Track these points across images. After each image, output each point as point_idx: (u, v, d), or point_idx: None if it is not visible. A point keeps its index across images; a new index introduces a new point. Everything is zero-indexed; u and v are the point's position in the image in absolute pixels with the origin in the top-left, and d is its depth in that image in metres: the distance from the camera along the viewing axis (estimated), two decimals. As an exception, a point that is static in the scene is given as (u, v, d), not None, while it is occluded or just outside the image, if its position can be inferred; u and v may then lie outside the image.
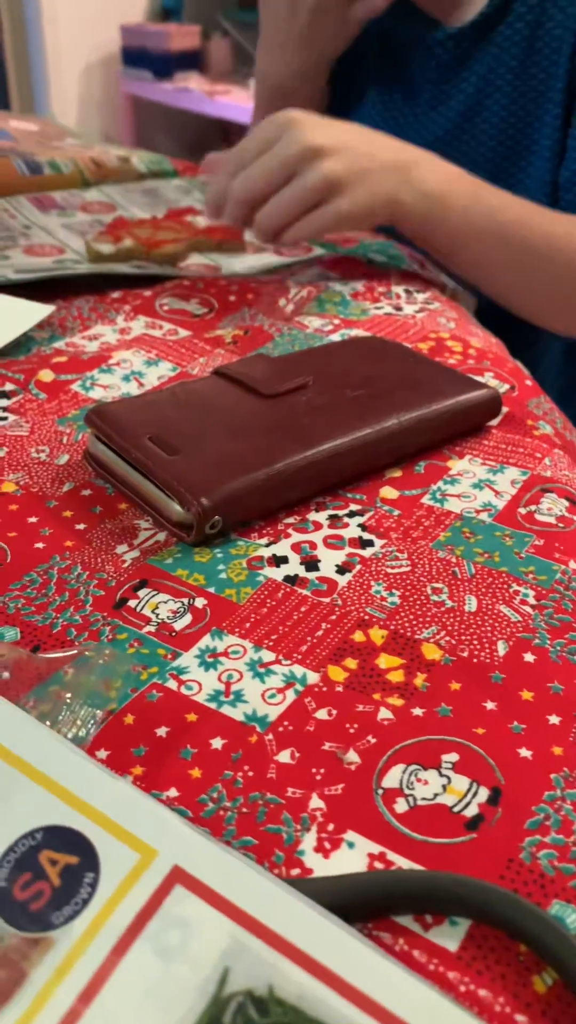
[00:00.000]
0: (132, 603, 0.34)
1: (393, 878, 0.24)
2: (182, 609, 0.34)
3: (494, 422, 0.48)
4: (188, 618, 0.34)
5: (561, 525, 0.40)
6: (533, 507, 0.41)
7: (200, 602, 0.35)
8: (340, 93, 0.83)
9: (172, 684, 0.31)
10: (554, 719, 0.30)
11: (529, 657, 0.33)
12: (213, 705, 0.30)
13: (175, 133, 3.06)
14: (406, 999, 0.20)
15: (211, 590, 0.35)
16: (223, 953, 0.20)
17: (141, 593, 0.35)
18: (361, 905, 0.24)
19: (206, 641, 0.33)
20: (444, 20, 0.77)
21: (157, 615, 0.34)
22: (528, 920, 0.23)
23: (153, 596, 0.35)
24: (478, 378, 0.52)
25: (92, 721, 0.28)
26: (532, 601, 0.35)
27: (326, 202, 0.58)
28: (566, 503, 0.42)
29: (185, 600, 0.35)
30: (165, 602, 0.34)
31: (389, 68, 0.80)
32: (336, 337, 0.56)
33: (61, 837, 0.22)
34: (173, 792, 0.27)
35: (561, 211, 0.68)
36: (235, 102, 2.59)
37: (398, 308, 0.61)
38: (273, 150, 0.57)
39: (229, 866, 0.22)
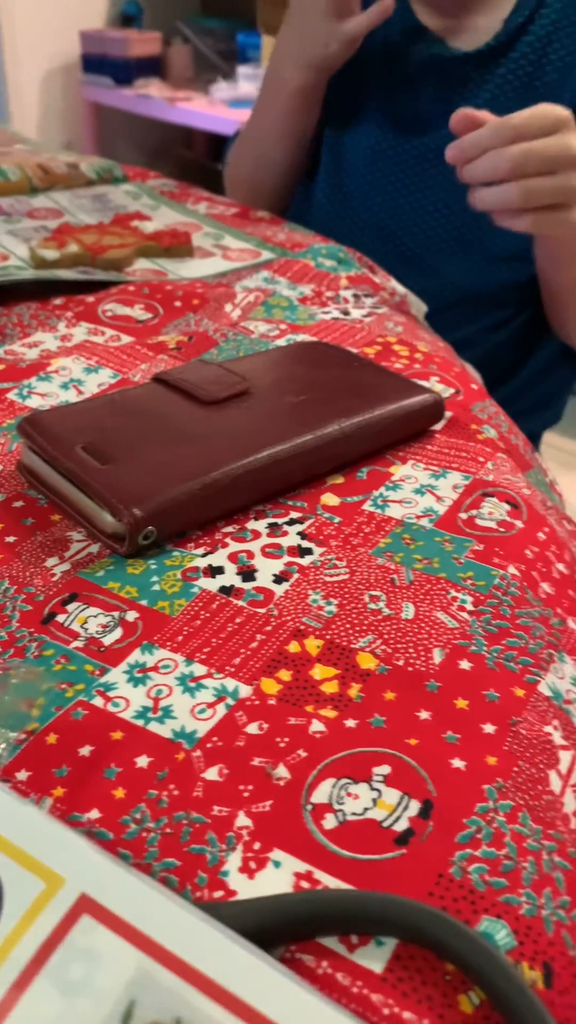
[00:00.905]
0: (60, 618, 0.33)
1: (317, 899, 0.24)
2: (112, 623, 0.33)
3: (438, 426, 0.48)
4: (118, 632, 0.33)
5: (502, 529, 0.40)
6: (474, 512, 0.41)
7: (131, 615, 0.34)
8: (344, 96, 0.85)
9: (99, 701, 0.30)
10: (489, 728, 0.30)
11: (465, 664, 0.32)
12: (140, 722, 0.29)
13: (137, 139, 3.05)
14: (320, 1027, 0.19)
15: (143, 603, 0.34)
16: (129, 985, 0.19)
17: (70, 607, 0.34)
18: (284, 928, 0.23)
19: (136, 656, 0.32)
20: (450, 41, 0.80)
21: (86, 630, 0.33)
22: (454, 939, 0.23)
23: (83, 610, 0.34)
24: (423, 383, 0.51)
25: (5, 743, 0.27)
26: (470, 607, 0.35)
27: (561, 207, 0.62)
28: (507, 507, 0.41)
29: (116, 614, 0.34)
30: (95, 616, 0.34)
31: (395, 76, 0.82)
32: (282, 342, 0.55)
33: (-34, 866, 0.21)
34: (95, 814, 0.26)
35: None
36: (196, 109, 2.58)
37: (345, 313, 0.60)
38: (552, 142, 0.59)
39: (140, 893, 0.21)
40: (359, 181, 0.86)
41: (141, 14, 2.91)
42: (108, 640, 0.33)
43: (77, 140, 2.93)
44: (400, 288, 0.71)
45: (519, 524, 0.40)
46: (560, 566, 0.39)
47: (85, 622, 0.33)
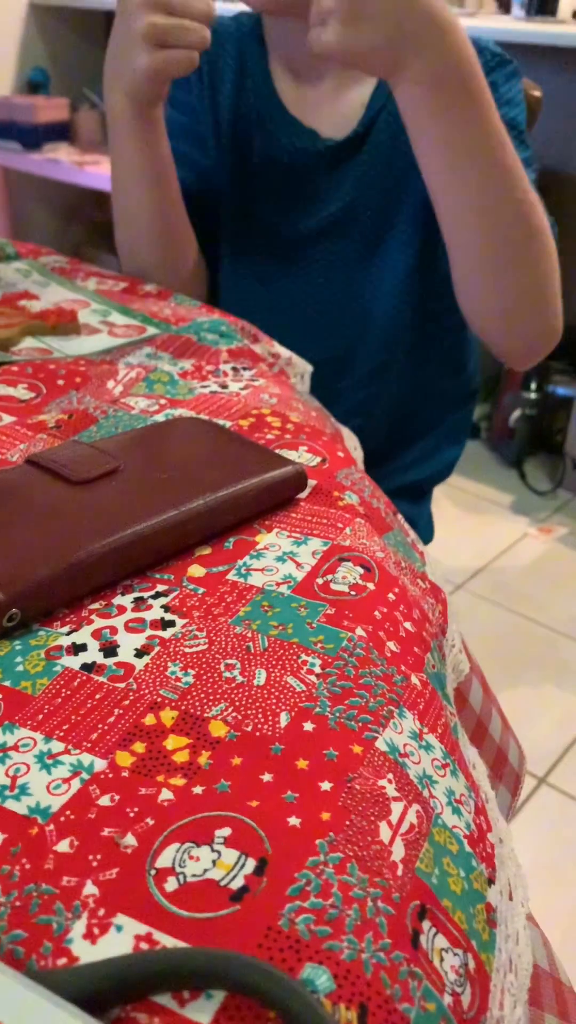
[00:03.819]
0: None
1: (148, 959, 0.25)
2: (-25, 705, 0.35)
3: (303, 495, 0.51)
4: (-20, 713, 0.35)
5: (353, 593, 0.43)
6: (330, 576, 0.44)
7: (-6, 696, 0.35)
8: (234, 190, 0.90)
9: (-42, 782, 0.32)
10: (326, 785, 0.32)
11: (308, 726, 0.35)
12: (-3, 800, 0.31)
13: (49, 203, 3.09)
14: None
15: (7, 683, 0.36)
16: (-44, 1056, 0.21)
17: None
18: (118, 989, 0.25)
19: (-3, 736, 0.34)
20: (321, 131, 0.86)
21: (-51, 713, 0.34)
22: (274, 987, 0.25)
23: (-53, 693, 0.35)
24: (291, 453, 0.55)
25: None
26: (318, 670, 0.38)
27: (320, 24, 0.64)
28: (361, 570, 0.44)
29: (-21, 695, 0.35)
30: (-42, 699, 0.35)
31: (274, 164, 0.88)
32: (161, 417, 0.58)
33: None
34: (-52, 893, 0.28)
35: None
36: (105, 172, 2.63)
37: (224, 386, 0.63)
38: None
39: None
40: (261, 264, 0.91)
41: (48, 81, 2.97)
42: (-30, 722, 0.34)
43: (-13, 204, 2.95)
44: (284, 352, 0.75)
45: (370, 587, 0.43)
46: (407, 625, 0.42)
47: (-51, 706, 0.35)
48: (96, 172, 2.66)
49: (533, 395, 2.21)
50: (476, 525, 2.10)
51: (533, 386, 2.21)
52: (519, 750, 0.59)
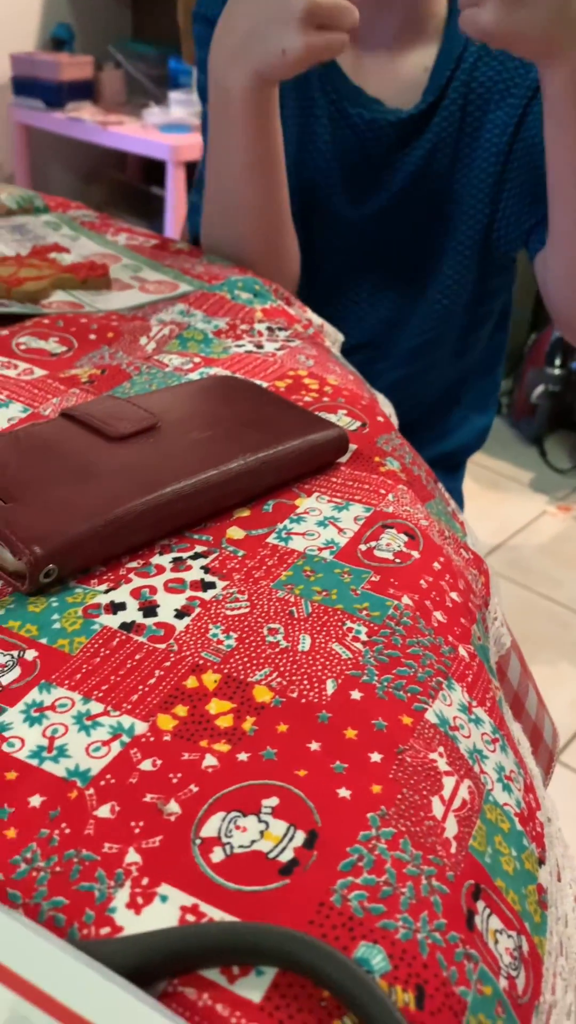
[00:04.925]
0: (-41, 658, 0.34)
1: (198, 933, 0.24)
2: (11, 662, 0.34)
3: (344, 459, 0.49)
4: (16, 672, 0.33)
5: (398, 560, 0.41)
6: (373, 543, 0.42)
7: (31, 654, 0.34)
8: (306, 163, 0.86)
9: (-6, 741, 0.30)
10: (376, 756, 0.31)
11: (356, 695, 0.33)
12: (34, 761, 0.30)
13: (70, 162, 3.04)
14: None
15: (43, 641, 0.35)
16: (2, 1028, 0.20)
17: (-31, 647, 0.34)
18: (165, 962, 0.24)
19: (33, 695, 0.32)
20: (385, 101, 0.83)
21: (-16, 670, 0.33)
22: (328, 966, 0.24)
23: (-18, 650, 0.34)
24: (330, 416, 0.53)
25: None
26: (364, 638, 0.36)
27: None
28: (405, 538, 0.43)
29: (14, 653, 0.34)
30: (-7, 656, 0.34)
31: (346, 139, 0.84)
32: (195, 376, 0.56)
33: None
34: (-15, 855, 0.27)
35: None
36: (128, 133, 2.59)
37: (259, 346, 0.62)
38: None
39: (14, 934, 0.21)
40: (317, 240, 0.88)
41: (72, 38, 2.92)
42: (6, 680, 0.33)
43: (8, 162, 2.92)
44: (316, 319, 0.73)
45: (415, 555, 0.42)
46: (453, 595, 0.41)
47: (-17, 662, 0.34)
48: (119, 132, 2.62)
49: (557, 371, 2.18)
50: (494, 502, 2.08)
51: (557, 362, 2.18)
52: (553, 728, 0.58)
